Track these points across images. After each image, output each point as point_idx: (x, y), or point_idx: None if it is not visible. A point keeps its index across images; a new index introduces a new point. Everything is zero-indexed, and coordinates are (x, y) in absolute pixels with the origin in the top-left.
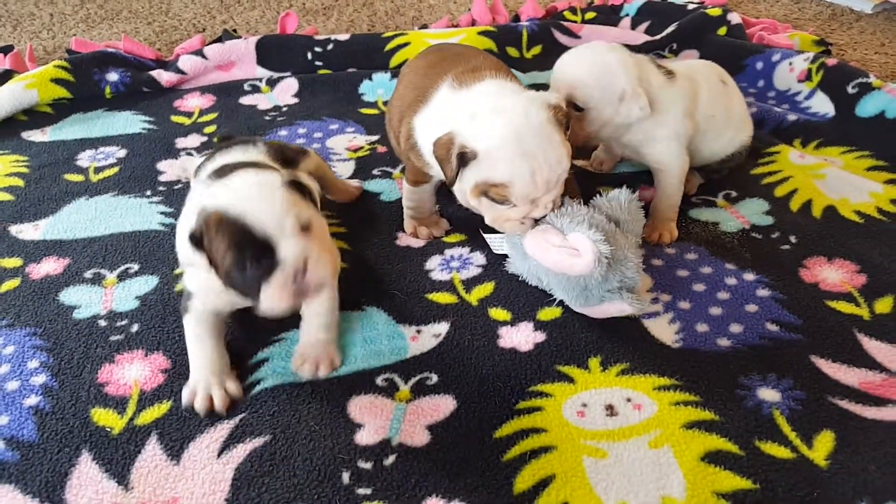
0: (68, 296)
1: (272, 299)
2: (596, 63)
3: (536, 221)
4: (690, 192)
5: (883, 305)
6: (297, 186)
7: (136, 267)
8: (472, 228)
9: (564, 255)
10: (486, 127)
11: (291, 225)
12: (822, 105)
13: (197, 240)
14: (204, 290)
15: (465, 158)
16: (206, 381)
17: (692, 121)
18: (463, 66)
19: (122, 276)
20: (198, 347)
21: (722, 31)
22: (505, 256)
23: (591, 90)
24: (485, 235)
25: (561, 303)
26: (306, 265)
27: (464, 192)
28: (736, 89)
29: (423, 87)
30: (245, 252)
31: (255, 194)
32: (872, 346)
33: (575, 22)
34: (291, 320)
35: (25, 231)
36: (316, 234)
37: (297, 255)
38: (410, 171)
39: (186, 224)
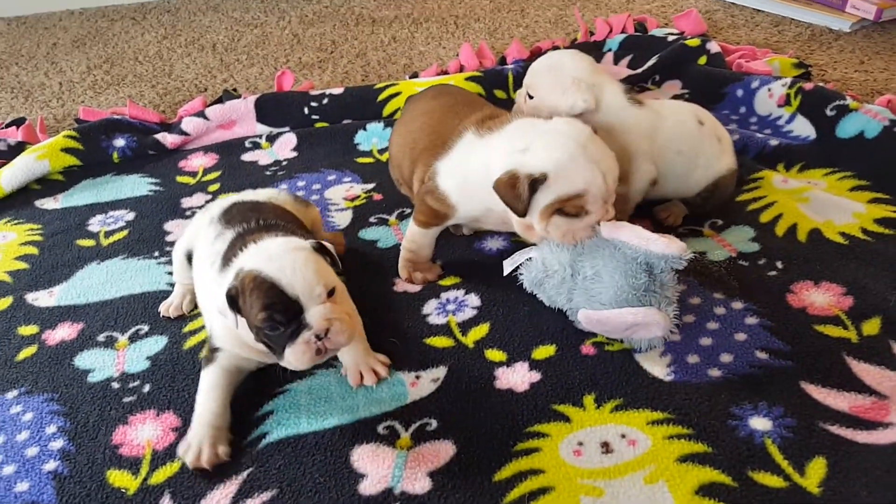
0: (83, 360)
1: (296, 356)
2: (552, 58)
3: None
4: (676, 223)
5: (870, 327)
6: (322, 250)
7: (146, 328)
8: (465, 270)
9: (635, 331)
10: (548, 150)
11: (319, 292)
12: (803, 128)
13: (232, 297)
14: (234, 345)
15: (536, 185)
16: (200, 438)
17: (651, 149)
18: (479, 113)
19: (133, 338)
20: (209, 401)
21: (702, 60)
22: (514, 279)
23: (542, 78)
24: (505, 263)
25: (554, 340)
26: (329, 330)
27: (525, 222)
28: (714, 131)
29: (442, 133)
30: (275, 314)
31: (288, 261)
32: (861, 368)
33: None
34: (296, 373)
35: (41, 298)
36: (339, 298)
37: (322, 321)
38: (423, 212)
39: (216, 279)
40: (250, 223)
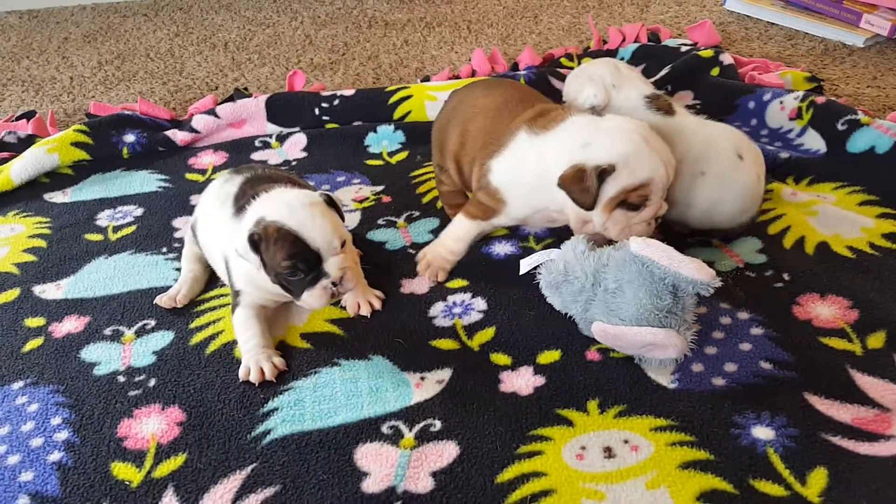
0: (89, 353)
1: (314, 299)
2: (584, 63)
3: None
4: (683, 231)
5: (875, 341)
6: (332, 203)
7: (152, 323)
8: (473, 274)
9: (650, 350)
10: (612, 142)
11: (336, 245)
12: (814, 142)
13: (255, 242)
14: (252, 286)
15: (604, 175)
16: (256, 358)
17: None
18: (531, 111)
19: (140, 332)
20: (247, 331)
21: (715, 71)
22: (522, 283)
23: (570, 78)
24: (522, 262)
25: (560, 346)
26: (342, 277)
27: (585, 216)
28: (752, 167)
29: (496, 133)
30: (298, 263)
31: (309, 215)
32: (865, 381)
33: (571, 68)
34: (299, 369)
35: (48, 291)
36: (347, 248)
37: (338, 270)
38: (475, 205)
39: (230, 221)
40: (257, 171)
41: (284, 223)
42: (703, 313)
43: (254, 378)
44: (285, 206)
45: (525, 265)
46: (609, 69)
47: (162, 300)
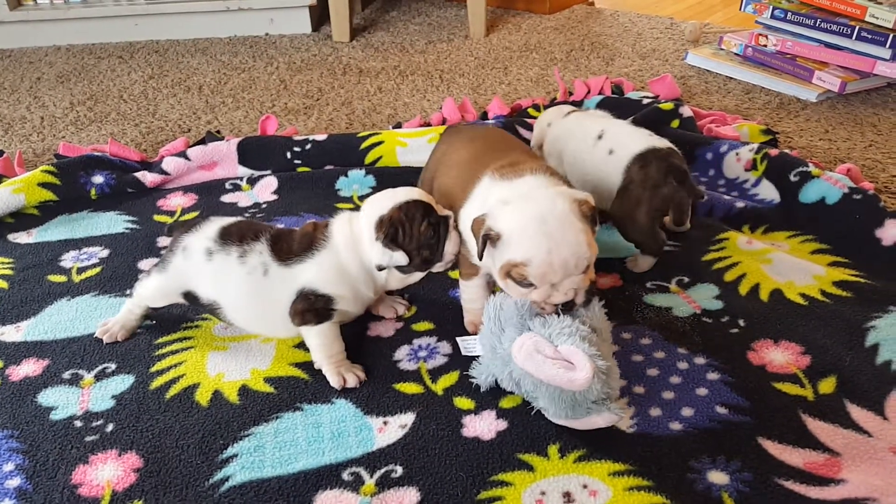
0: (46, 397)
1: (452, 245)
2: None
3: (559, 309)
4: (637, 270)
5: (826, 386)
6: None
7: (113, 366)
8: (439, 317)
9: (560, 368)
10: (512, 212)
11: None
12: (768, 192)
13: (393, 237)
14: (350, 290)
15: (490, 239)
16: (346, 369)
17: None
18: (502, 161)
19: (100, 376)
20: (337, 343)
21: (675, 123)
22: (474, 358)
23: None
24: (458, 339)
25: None
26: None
27: (495, 273)
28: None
29: (466, 182)
30: (430, 218)
31: (415, 193)
32: (816, 426)
33: (537, 118)
34: (260, 414)
35: (7, 333)
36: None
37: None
38: (461, 263)
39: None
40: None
41: (394, 209)
42: (661, 358)
43: (352, 383)
44: (386, 197)
45: (466, 349)
46: (551, 111)
47: (105, 334)
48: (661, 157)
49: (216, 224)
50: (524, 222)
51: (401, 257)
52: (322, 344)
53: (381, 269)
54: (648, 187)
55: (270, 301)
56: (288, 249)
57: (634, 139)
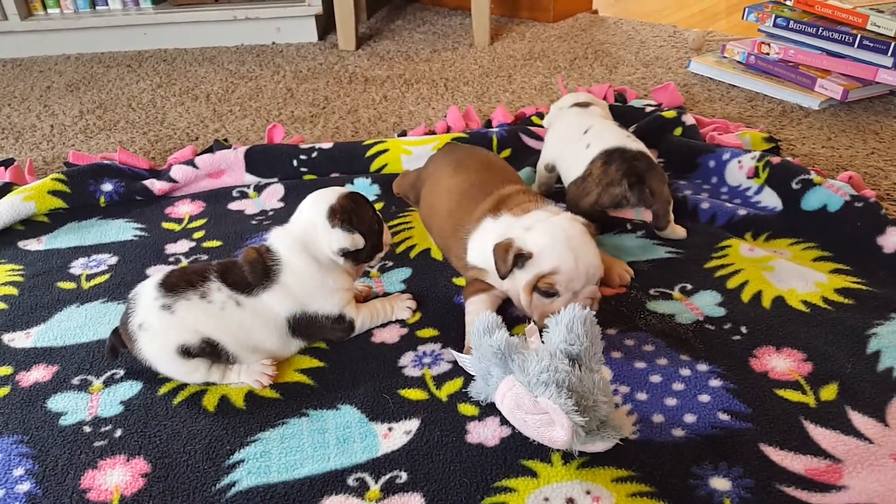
0: (55, 402)
1: (388, 238)
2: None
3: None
4: (615, 284)
5: (828, 393)
6: None
7: (121, 372)
8: (444, 324)
9: (541, 426)
10: (539, 234)
11: None
12: (771, 199)
13: (347, 220)
14: (333, 283)
15: (520, 259)
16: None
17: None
18: (490, 200)
19: (108, 382)
20: (380, 309)
21: (678, 131)
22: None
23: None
24: (455, 355)
25: None
26: None
27: (517, 291)
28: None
29: (461, 218)
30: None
31: (344, 189)
32: (818, 432)
33: (541, 126)
34: (267, 420)
35: (17, 339)
36: None
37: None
38: (467, 282)
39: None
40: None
41: (341, 197)
42: (664, 365)
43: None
44: (324, 193)
45: (466, 367)
46: (568, 97)
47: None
48: (625, 157)
49: (152, 282)
50: (552, 239)
51: (359, 239)
52: (369, 322)
53: (343, 253)
54: (602, 184)
55: (256, 329)
56: (243, 280)
57: (609, 137)
